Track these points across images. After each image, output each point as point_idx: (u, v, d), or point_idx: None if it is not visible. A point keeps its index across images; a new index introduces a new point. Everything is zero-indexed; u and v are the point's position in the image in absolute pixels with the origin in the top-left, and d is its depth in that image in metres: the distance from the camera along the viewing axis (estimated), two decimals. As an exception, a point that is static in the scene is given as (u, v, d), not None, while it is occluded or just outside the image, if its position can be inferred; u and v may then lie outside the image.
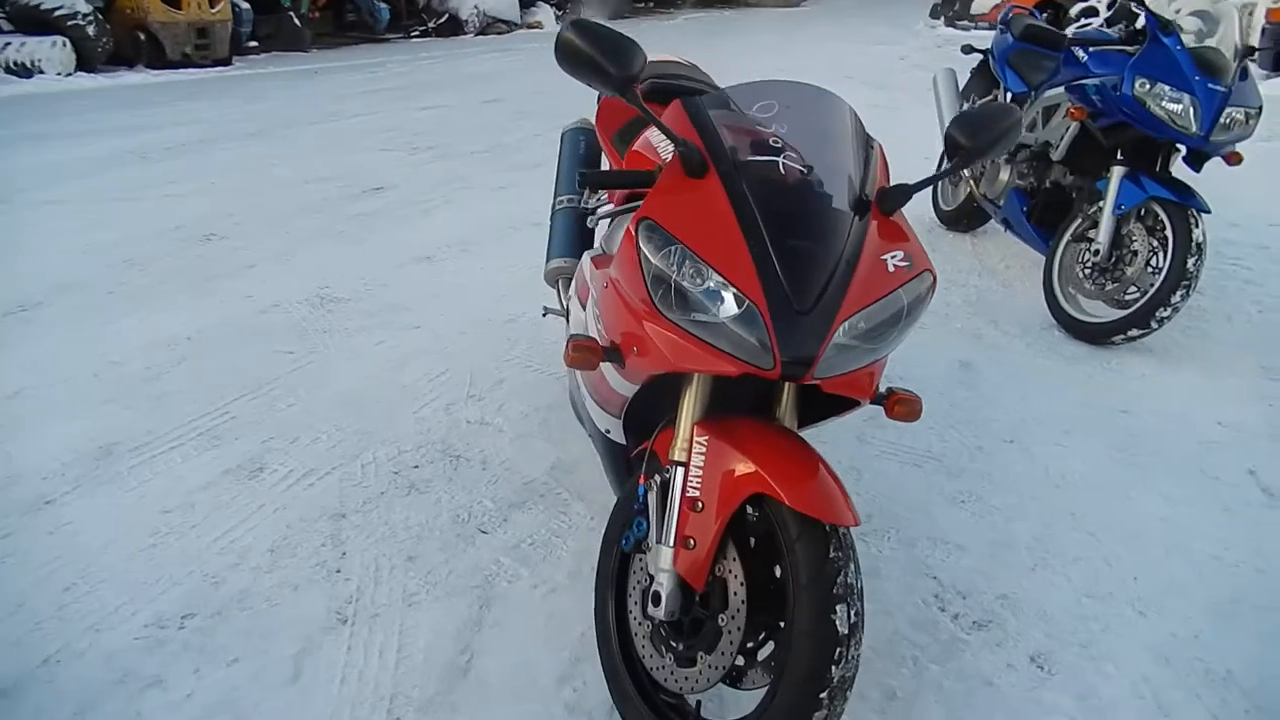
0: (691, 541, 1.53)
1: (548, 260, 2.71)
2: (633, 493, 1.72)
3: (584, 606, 2.07)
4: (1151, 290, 3.29)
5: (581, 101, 2.96)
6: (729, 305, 1.38)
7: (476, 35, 16.08)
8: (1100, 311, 3.51)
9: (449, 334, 3.55)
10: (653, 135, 1.90)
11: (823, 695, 1.39)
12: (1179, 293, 3.22)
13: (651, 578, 1.62)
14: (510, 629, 2.02)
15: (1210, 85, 3.18)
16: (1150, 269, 3.36)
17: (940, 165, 3.90)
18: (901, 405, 1.58)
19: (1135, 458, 2.71)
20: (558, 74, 1.52)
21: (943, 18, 17.34)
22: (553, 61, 1.49)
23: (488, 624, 2.03)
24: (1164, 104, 3.24)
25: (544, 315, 2.69)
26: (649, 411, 1.77)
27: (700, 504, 1.52)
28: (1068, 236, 3.63)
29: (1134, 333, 3.34)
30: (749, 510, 1.53)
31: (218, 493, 2.50)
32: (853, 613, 1.42)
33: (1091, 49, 3.57)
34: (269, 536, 2.32)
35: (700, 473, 1.53)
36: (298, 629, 2.01)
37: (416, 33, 15.86)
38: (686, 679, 1.58)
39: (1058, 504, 2.47)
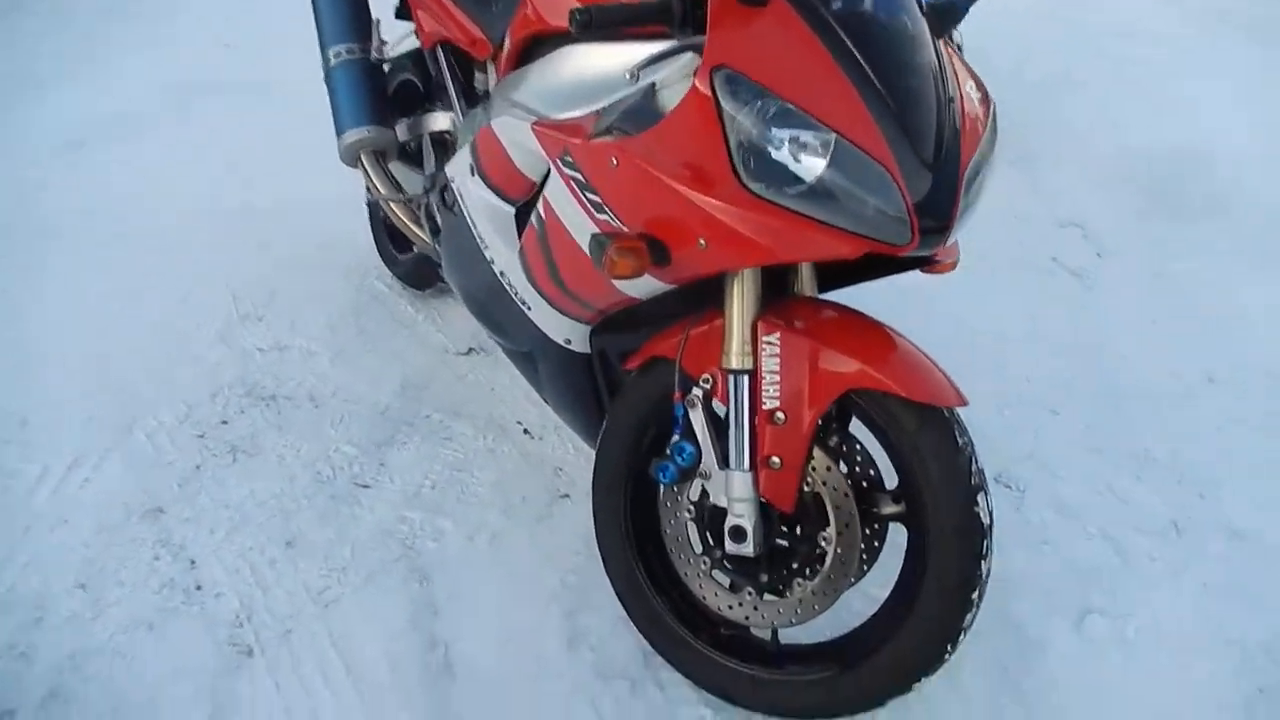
0: (776, 460, 1.26)
1: (340, 133, 2.08)
2: (650, 414, 1.41)
3: (545, 547, 1.74)
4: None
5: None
6: (849, 169, 1.07)
7: None
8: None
9: (167, 243, 2.75)
10: None
11: (974, 595, 1.24)
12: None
13: (712, 508, 1.35)
14: (473, 600, 1.63)
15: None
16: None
17: None
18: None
19: (968, 262, 2.80)
20: None
21: None
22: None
23: (442, 602, 1.62)
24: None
25: (369, 203, 2.10)
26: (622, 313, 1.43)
27: (781, 415, 1.25)
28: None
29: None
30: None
31: (-53, 524, 1.75)
32: (990, 500, 1.26)
33: None
34: (69, 567, 1.67)
35: (776, 378, 1.25)
36: (188, 684, 1.47)
37: None
38: (781, 612, 1.35)
39: (934, 311, 2.49)
